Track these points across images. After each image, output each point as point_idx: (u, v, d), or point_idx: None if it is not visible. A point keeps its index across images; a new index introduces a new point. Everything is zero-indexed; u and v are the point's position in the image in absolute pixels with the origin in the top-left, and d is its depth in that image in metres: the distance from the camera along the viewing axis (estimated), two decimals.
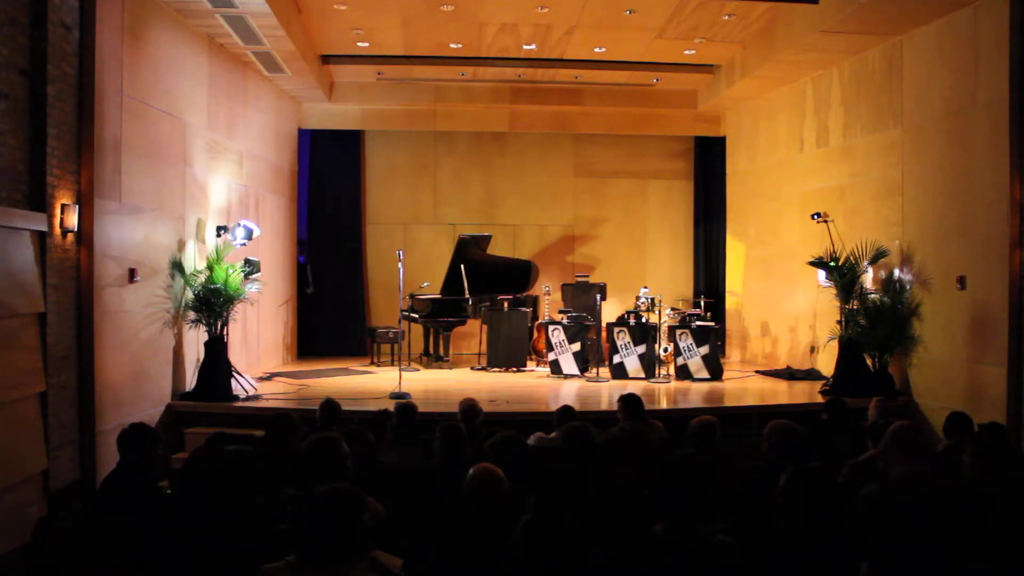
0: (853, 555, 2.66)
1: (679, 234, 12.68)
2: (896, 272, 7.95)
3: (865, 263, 8.05)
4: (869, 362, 7.90)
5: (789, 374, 9.41)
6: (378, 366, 10.45)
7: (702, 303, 10.44)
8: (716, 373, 9.12)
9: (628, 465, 4.47)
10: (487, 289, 10.51)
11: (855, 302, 7.98)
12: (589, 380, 9.22)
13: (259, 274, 8.10)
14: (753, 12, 8.67)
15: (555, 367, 9.56)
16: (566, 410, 5.34)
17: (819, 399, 7.60)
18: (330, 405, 5.31)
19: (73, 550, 3.22)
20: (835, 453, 4.70)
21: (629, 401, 5.34)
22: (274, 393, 8.01)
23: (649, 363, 9.20)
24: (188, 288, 7.36)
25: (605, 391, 8.43)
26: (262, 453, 3.90)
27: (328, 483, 2.65)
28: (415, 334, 11.20)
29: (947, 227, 7.32)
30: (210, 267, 7.39)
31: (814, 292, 9.09)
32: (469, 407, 5.31)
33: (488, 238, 10.86)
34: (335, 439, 3.50)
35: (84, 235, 5.80)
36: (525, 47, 9.96)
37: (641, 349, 9.21)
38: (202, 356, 7.50)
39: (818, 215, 8.49)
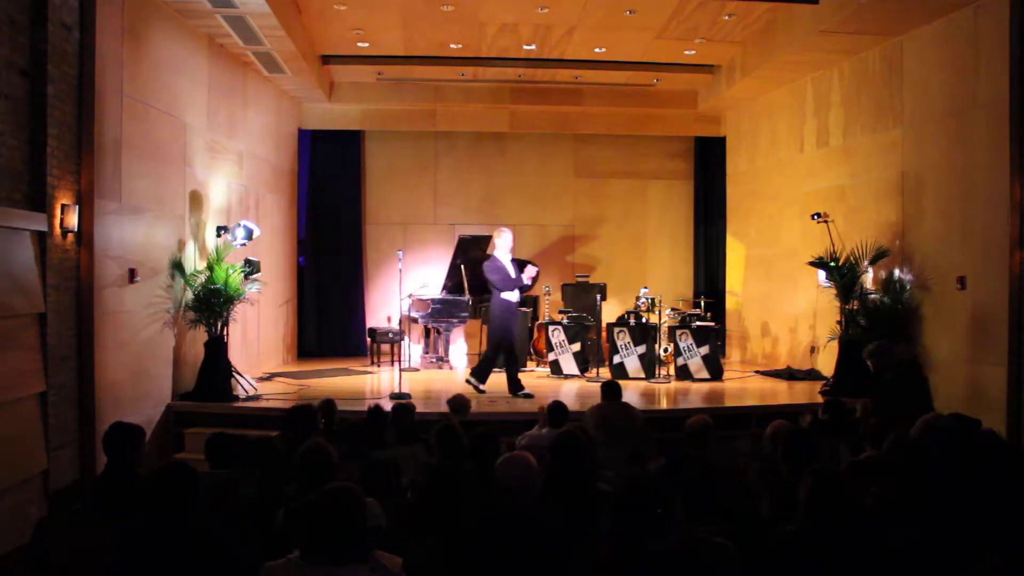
0: (854, 557, 2.66)
1: (679, 234, 12.68)
2: (896, 272, 7.95)
3: (865, 263, 8.05)
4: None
5: (789, 374, 9.41)
6: (378, 366, 10.46)
7: (702, 303, 10.44)
8: (716, 373, 9.12)
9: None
10: (487, 289, 10.48)
11: (855, 302, 7.98)
12: (589, 380, 9.22)
13: (259, 274, 8.10)
14: (753, 12, 8.67)
15: (555, 367, 9.56)
16: (556, 406, 5.31)
17: (819, 399, 7.60)
18: (327, 406, 5.30)
19: (73, 550, 3.22)
20: (834, 453, 4.70)
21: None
22: (274, 393, 8.01)
23: (649, 363, 9.20)
24: (188, 288, 7.35)
25: None
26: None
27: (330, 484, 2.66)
28: (415, 334, 11.20)
29: (947, 227, 7.32)
30: (210, 267, 7.40)
31: (814, 292, 9.09)
32: (458, 402, 5.40)
33: (488, 238, 10.84)
34: (325, 446, 3.50)
35: (84, 235, 5.80)
36: (525, 47, 9.96)
37: (641, 349, 9.22)
38: (202, 356, 7.50)
39: (818, 215, 8.48)
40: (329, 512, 2.48)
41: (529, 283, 8.02)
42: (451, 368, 10.56)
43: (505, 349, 8.13)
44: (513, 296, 8.05)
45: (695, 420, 4.39)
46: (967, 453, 3.60)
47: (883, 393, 5.57)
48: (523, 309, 10.25)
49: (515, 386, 7.94)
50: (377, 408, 5.31)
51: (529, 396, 7.79)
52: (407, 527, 3.14)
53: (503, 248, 8.12)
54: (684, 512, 2.62)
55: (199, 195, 7.92)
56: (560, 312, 10.01)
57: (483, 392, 7.85)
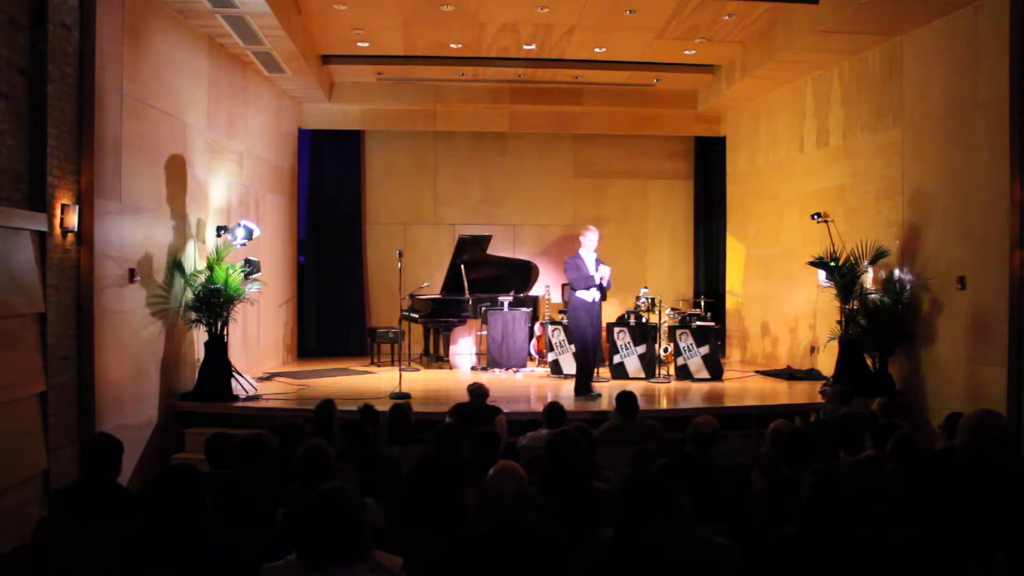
0: (854, 557, 2.66)
1: (679, 234, 12.68)
2: (896, 272, 7.95)
3: (865, 263, 8.05)
4: (869, 362, 7.90)
5: (789, 374, 9.41)
6: (378, 366, 10.46)
7: (702, 303, 10.44)
8: (716, 373, 9.12)
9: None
10: (487, 289, 10.51)
11: (855, 302, 7.98)
12: None
13: (259, 274, 8.10)
14: (753, 12, 8.67)
15: (555, 367, 9.56)
16: (553, 407, 5.33)
17: (819, 399, 7.59)
18: (327, 407, 5.29)
19: (73, 550, 3.22)
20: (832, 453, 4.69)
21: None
22: (274, 393, 8.01)
23: (649, 363, 9.20)
24: (188, 288, 7.35)
25: (605, 391, 8.41)
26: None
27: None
28: (415, 334, 11.20)
29: (947, 227, 7.32)
30: (210, 267, 7.39)
31: (814, 292, 9.08)
32: (476, 387, 5.76)
33: (488, 238, 10.86)
34: (325, 447, 3.49)
35: (84, 235, 5.79)
36: (525, 47, 9.97)
37: (641, 349, 9.22)
38: (202, 356, 7.50)
39: (818, 215, 8.48)
40: (328, 512, 2.48)
41: (601, 282, 7.81)
42: (451, 368, 10.56)
43: (589, 348, 7.98)
44: (588, 295, 7.77)
45: (704, 422, 4.36)
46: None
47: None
48: (523, 309, 10.24)
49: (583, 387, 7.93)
50: (368, 407, 5.32)
51: (597, 396, 7.80)
52: (400, 519, 3.13)
53: (588, 247, 7.83)
54: (685, 512, 2.62)
55: (199, 195, 7.92)
56: (560, 312, 10.00)
57: (599, 396, 7.80)
